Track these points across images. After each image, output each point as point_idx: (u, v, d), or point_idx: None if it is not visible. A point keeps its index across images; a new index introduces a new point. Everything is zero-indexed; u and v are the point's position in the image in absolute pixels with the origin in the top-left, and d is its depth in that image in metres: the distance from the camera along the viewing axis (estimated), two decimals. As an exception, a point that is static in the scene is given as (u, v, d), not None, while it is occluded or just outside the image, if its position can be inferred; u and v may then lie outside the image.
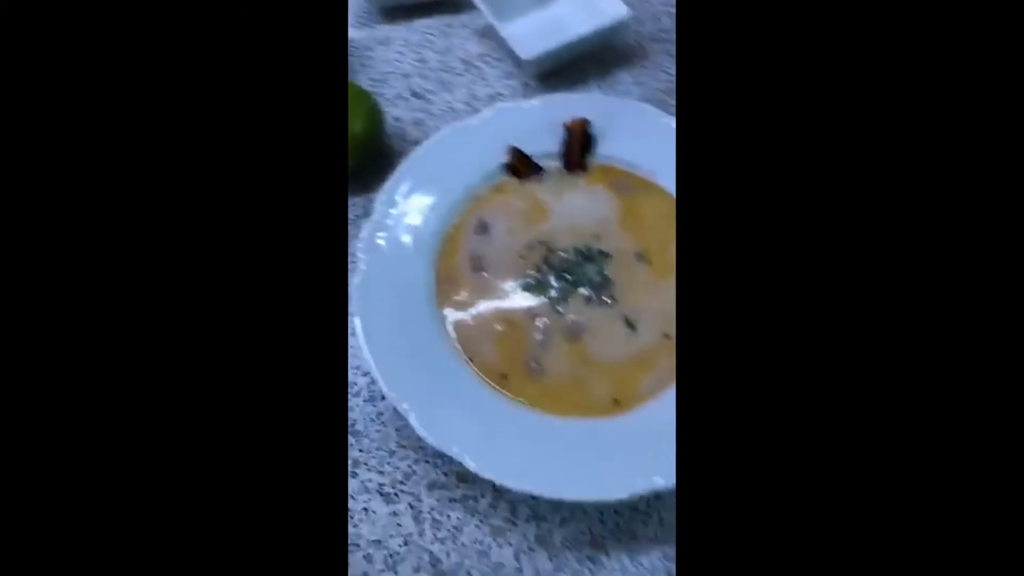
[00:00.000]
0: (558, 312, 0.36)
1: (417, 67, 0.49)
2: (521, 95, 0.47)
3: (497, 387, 0.34)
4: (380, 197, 0.39)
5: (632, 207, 0.39)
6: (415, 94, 0.48)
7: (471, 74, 0.49)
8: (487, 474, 0.31)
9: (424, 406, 0.32)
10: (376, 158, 0.44)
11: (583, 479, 0.31)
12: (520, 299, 0.36)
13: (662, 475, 0.30)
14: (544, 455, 0.32)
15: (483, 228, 0.39)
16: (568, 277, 0.37)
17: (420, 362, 0.34)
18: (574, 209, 0.39)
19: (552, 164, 0.40)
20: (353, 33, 0.51)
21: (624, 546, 0.32)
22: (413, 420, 0.32)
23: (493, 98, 0.48)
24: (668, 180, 0.39)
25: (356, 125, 0.40)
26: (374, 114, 0.41)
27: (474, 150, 0.40)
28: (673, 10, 0.51)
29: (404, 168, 0.39)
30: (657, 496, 0.33)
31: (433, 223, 0.38)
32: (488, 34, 0.50)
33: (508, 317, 0.36)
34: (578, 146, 0.40)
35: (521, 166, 0.40)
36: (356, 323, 0.34)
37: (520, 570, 0.32)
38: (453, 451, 0.31)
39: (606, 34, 0.47)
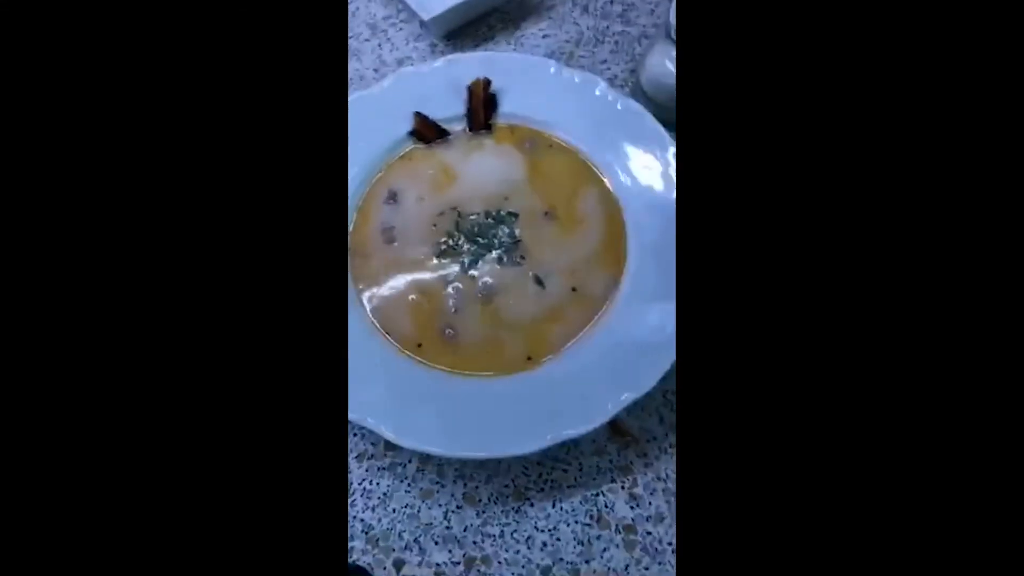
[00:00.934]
0: (471, 276, 0.36)
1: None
2: (429, 57, 0.46)
3: (414, 356, 0.34)
4: None
5: (538, 165, 0.39)
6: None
7: (378, 38, 0.48)
8: (407, 443, 0.31)
9: None
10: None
11: (503, 436, 0.32)
12: (433, 267, 0.36)
13: (574, 425, 0.31)
14: (464, 417, 0.32)
15: (392, 197, 0.38)
16: (480, 240, 0.37)
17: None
18: (482, 171, 0.39)
19: (458, 127, 0.40)
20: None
21: (547, 494, 0.34)
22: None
23: (401, 62, 0.46)
24: (569, 135, 0.38)
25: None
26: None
27: (379, 118, 0.39)
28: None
29: None
30: (575, 443, 0.34)
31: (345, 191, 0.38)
32: (392, -5, 0.48)
33: (421, 286, 0.36)
34: (481, 106, 0.39)
35: (426, 131, 0.39)
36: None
37: (449, 527, 0.33)
38: (369, 423, 0.32)
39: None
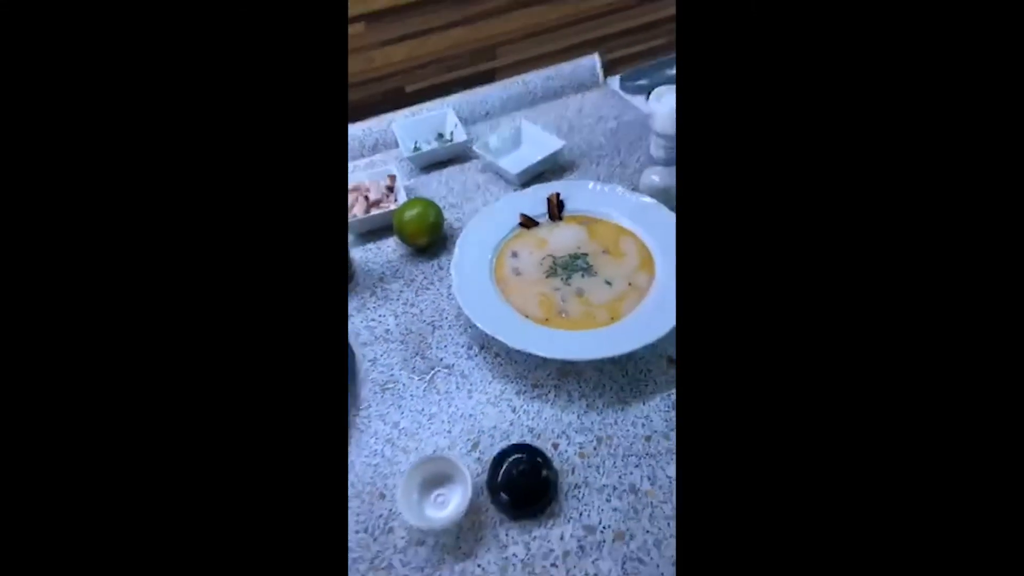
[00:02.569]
0: (568, 284, 0.64)
1: (450, 192, 0.82)
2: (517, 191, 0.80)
3: (544, 325, 0.60)
4: (457, 244, 0.67)
5: (593, 230, 0.69)
6: (452, 205, 0.80)
7: (481, 190, 0.82)
8: (555, 355, 0.56)
9: (506, 335, 0.58)
10: (442, 237, 0.74)
11: (606, 349, 0.56)
12: (545, 283, 0.64)
13: (634, 344, 0.56)
14: (582, 345, 0.57)
15: (514, 255, 0.67)
16: (569, 267, 0.65)
17: (497, 321, 0.60)
18: (561, 238, 0.69)
19: (543, 219, 0.71)
20: (403, 182, 0.84)
21: (638, 399, 0.57)
22: (502, 338, 0.57)
23: (498, 197, 0.80)
24: (607, 215, 0.70)
25: (431, 217, 0.70)
26: (439, 212, 0.72)
27: (500, 219, 0.71)
28: (589, 137, 0.88)
29: (467, 229, 0.69)
30: (648, 370, 0.58)
31: (487, 255, 0.67)
32: (486, 169, 0.84)
33: (543, 291, 0.63)
34: (556, 207, 0.71)
35: (527, 222, 0.70)
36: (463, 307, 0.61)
37: (582, 422, 0.55)
38: (532, 350, 0.56)
39: (553, 156, 0.82)
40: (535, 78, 0.95)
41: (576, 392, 0.58)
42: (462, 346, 0.63)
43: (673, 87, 0.69)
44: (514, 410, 0.57)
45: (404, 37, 0.88)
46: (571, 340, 0.58)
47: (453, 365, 0.61)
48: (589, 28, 0.98)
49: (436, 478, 0.50)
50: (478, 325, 0.59)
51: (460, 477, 0.49)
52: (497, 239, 0.69)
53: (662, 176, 0.73)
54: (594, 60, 0.96)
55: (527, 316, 0.61)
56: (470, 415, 0.57)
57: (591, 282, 0.64)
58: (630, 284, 0.63)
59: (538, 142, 0.83)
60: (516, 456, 0.50)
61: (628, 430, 0.54)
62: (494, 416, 0.56)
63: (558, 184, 0.75)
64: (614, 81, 0.96)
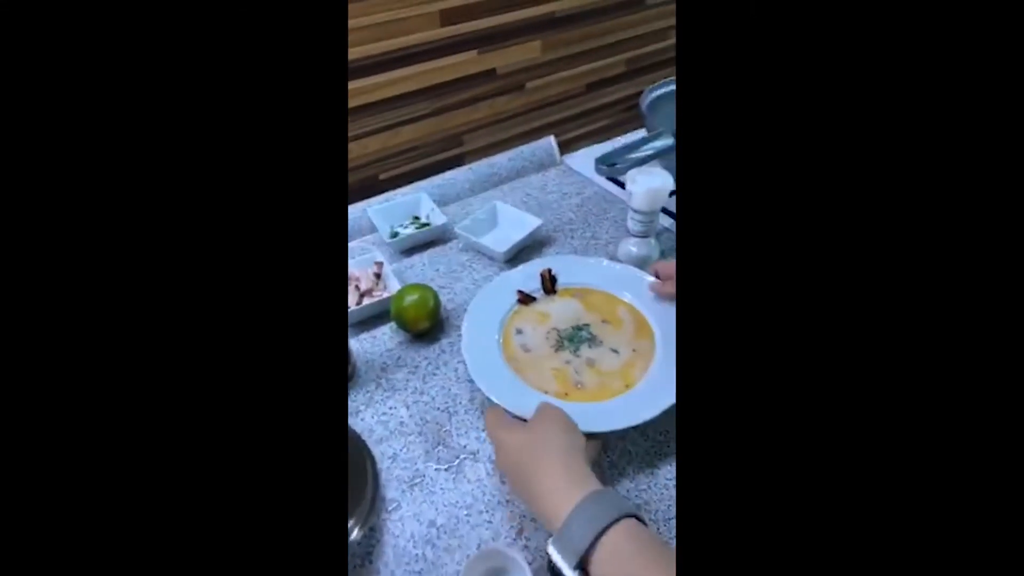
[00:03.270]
0: (578, 356, 0.66)
1: (436, 274, 0.83)
2: (499, 273, 0.83)
3: (565, 400, 0.62)
4: (464, 327, 0.68)
5: (587, 302, 0.73)
6: (441, 287, 0.81)
7: (467, 270, 0.84)
8: (585, 427, 0.56)
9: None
10: (439, 322, 0.74)
11: (632, 417, 0.58)
12: (554, 356, 0.66)
13: (655, 410, 0.58)
14: (607, 415, 0.59)
15: (520, 332, 0.70)
16: (575, 339, 0.68)
17: (519, 400, 0.60)
18: (560, 311, 0.72)
19: (539, 293, 0.74)
20: (389, 268, 0.84)
21: (663, 458, 0.59)
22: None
23: (487, 279, 0.82)
24: (597, 285, 0.74)
25: (430, 301, 0.71)
26: (436, 296, 0.73)
27: (497, 297, 0.73)
28: (559, 213, 0.94)
29: (471, 310, 0.70)
30: (666, 427, 0.61)
31: (493, 335, 0.68)
32: (468, 248, 0.87)
33: (555, 366, 0.65)
34: (549, 282, 0.75)
35: (525, 298, 0.73)
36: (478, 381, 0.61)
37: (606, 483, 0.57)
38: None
39: (532, 234, 0.86)
40: (500, 159, 1.01)
41: (605, 462, 0.59)
42: (483, 429, 0.63)
43: (646, 169, 0.76)
44: (549, 489, 0.57)
45: (379, 130, 0.91)
46: (593, 411, 0.60)
47: (478, 451, 0.61)
48: (545, 114, 1.07)
49: (492, 574, 0.49)
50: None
51: (516, 567, 0.49)
52: (499, 318, 0.71)
53: (639, 246, 0.79)
54: (550, 141, 1.04)
55: (546, 391, 0.62)
56: (508, 500, 0.56)
57: (599, 352, 0.67)
58: (634, 350, 0.67)
59: (514, 220, 0.88)
60: (572, 537, 0.50)
61: (662, 493, 0.56)
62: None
63: (546, 259, 0.79)
64: (570, 159, 1.04)
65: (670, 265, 0.70)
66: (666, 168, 0.78)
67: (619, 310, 0.72)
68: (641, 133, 0.99)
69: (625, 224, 0.80)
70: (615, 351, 0.67)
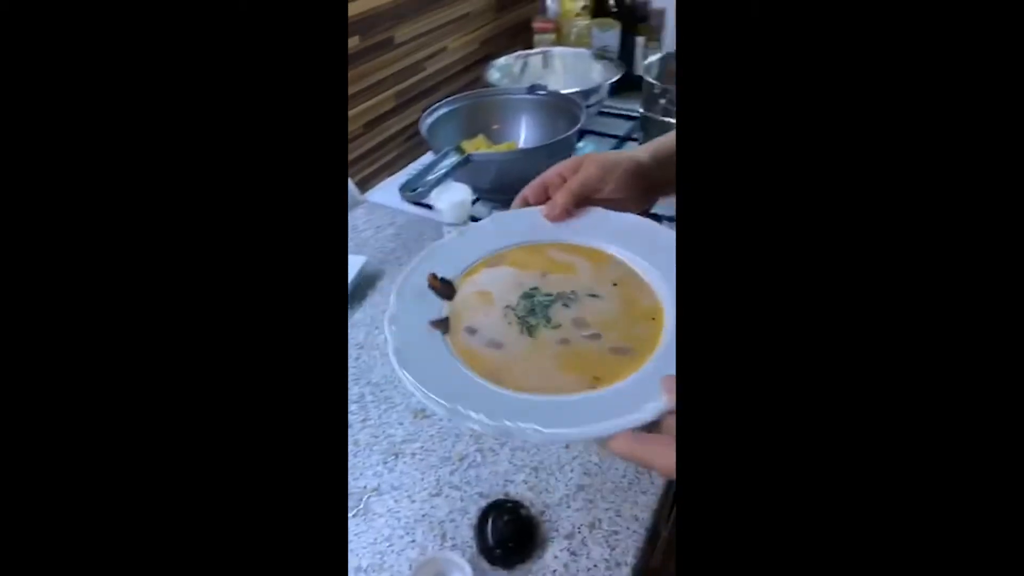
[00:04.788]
0: (559, 326, 0.45)
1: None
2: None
3: (597, 386, 0.40)
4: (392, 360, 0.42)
5: (511, 263, 0.59)
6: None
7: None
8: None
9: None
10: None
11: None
12: (537, 343, 0.44)
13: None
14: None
15: (472, 331, 0.46)
16: (537, 309, 0.47)
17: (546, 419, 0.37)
18: (496, 286, 0.50)
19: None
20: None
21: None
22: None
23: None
24: (498, 247, 0.52)
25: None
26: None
27: (410, 314, 0.46)
28: (379, 245, 0.97)
29: (393, 343, 0.43)
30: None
31: (438, 350, 0.44)
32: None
33: (548, 353, 0.44)
34: (444, 286, 0.48)
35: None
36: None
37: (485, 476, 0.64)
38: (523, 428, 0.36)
39: (360, 272, 0.89)
40: (304, 213, 1.00)
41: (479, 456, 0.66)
42: (379, 463, 0.65)
43: (445, 186, 0.85)
44: (454, 487, 0.62)
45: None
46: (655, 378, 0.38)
47: (379, 484, 0.63)
48: (334, 159, 1.09)
49: (433, 583, 0.52)
50: (540, 435, 0.36)
51: (454, 567, 0.53)
52: (429, 333, 0.45)
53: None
54: (348, 184, 1.07)
55: (561, 390, 0.40)
56: (423, 515, 0.59)
57: (579, 306, 0.47)
58: (614, 283, 0.49)
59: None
60: (491, 516, 0.55)
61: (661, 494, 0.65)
62: (443, 503, 0.60)
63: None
64: (372, 195, 1.09)
65: (534, 186, 0.54)
66: (459, 181, 0.88)
67: (550, 253, 0.51)
68: (430, 155, 1.07)
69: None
70: (593, 295, 0.47)
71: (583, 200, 0.51)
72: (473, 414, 0.37)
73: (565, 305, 0.47)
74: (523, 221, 0.53)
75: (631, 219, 0.52)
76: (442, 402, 0.38)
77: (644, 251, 0.49)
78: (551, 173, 0.53)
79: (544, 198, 0.53)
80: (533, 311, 0.47)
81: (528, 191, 0.53)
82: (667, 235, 0.50)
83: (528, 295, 0.49)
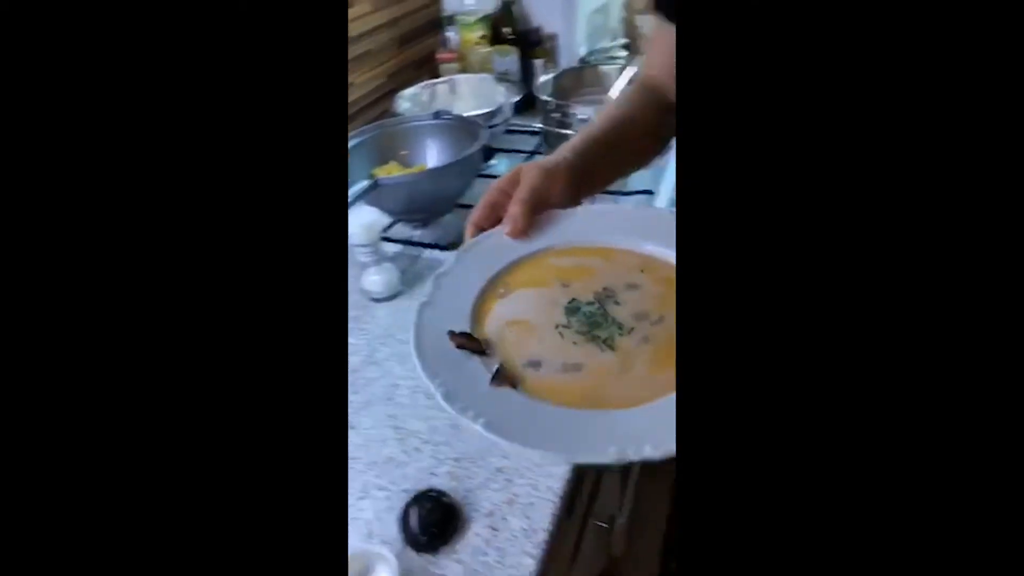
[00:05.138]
0: (606, 328, 0.43)
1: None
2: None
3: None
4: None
5: (514, 280, 0.48)
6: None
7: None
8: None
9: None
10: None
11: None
12: (593, 349, 0.42)
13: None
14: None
15: (536, 364, 0.41)
16: (582, 315, 0.45)
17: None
18: (521, 310, 0.46)
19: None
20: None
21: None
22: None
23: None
24: (497, 265, 0.48)
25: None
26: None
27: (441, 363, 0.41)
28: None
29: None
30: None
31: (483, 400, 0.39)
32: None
33: (616, 356, 0.41)
34: (473, 342, 0.42)
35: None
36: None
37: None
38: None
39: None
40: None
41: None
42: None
43: (359, 207, 0.89)
44: (381, 488, 0.64)
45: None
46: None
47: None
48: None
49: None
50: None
51: (380, 560, 0.55)
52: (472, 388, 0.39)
53: (378, 272, 0.91)
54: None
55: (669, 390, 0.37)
56: (351, 520, 0.62)
57: (623, 299, 0.44)
58: (642, 270, 0.48)
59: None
60: (413, 507, 0.58)
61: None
62: (369, 505, 0.63)
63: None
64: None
65: (481, 209, 0.50)
66: (373, 205, 0.92)
67: (551, 262, 0.48)
68: (344, 186, 1.11)
69: (358, 261, 0.91)
70: (632, 286, 0.45)
71: (539, 208, 0.49)
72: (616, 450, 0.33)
73: (617, 303, 0.44)
74: (491, 246, 0.48)
75: (597, 210, 0.53)
76: (582, 459, 0.36)
77: (642, 234, 0.48)
78: (492, 192, 0.50)
79: (495, 219, 0.49)
80: (597, 323, 0.43)
81: (476, 217, 0.49)
82: (653, 213, 0.54)
83: (572, 309, 0.45)
